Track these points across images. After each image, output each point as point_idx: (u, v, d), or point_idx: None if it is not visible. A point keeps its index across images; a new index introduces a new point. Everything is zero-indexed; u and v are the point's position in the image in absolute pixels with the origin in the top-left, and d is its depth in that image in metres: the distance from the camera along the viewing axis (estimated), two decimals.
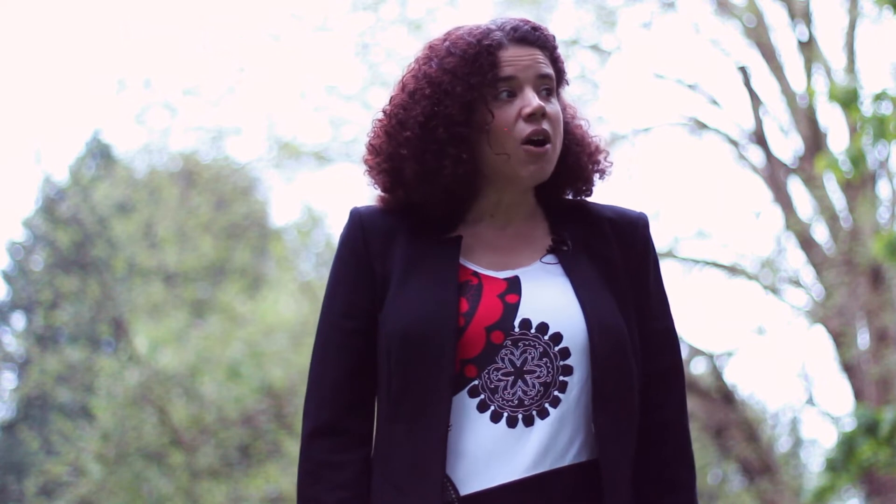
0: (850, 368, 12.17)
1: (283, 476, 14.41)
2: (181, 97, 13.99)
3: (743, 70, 12.63)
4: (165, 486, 14.39)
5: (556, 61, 2.35)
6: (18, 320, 22.80)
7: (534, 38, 2.32)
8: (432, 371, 2.22)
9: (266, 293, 15.66)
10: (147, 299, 15.19)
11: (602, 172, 2.40)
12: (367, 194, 2.43)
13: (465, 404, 2.24)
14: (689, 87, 12.73)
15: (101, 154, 21.45)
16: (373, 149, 2.34)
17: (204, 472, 14.41)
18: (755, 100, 12.66)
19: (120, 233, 15.36)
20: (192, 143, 14.59)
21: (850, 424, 8.45)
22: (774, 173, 12.60)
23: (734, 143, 12.83)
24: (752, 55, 12.61)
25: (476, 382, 2.24)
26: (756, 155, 12.78)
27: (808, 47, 12.18)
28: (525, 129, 2.27)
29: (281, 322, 14.56)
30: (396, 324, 2.25)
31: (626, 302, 2.31)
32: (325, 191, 26.61)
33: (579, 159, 2.37)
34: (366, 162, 2.36)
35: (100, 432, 14.52)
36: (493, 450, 2.22)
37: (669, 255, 13.02)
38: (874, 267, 11.80)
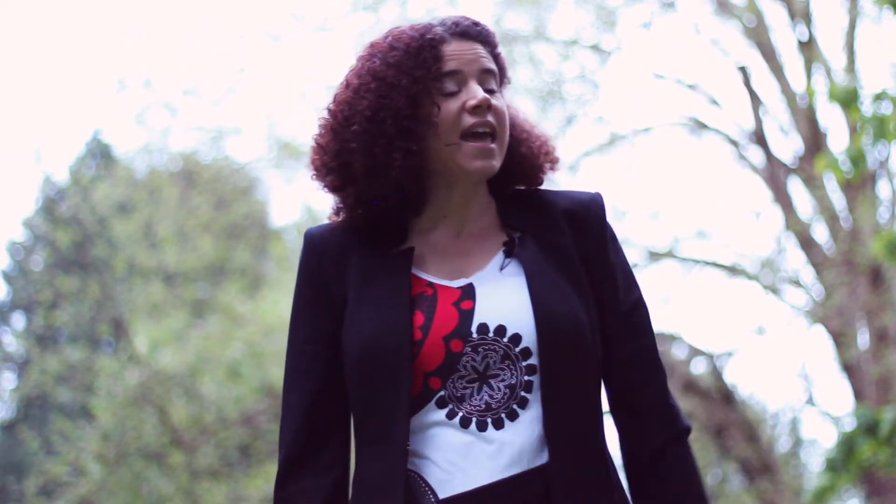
0: (850, 368, 12.17)
1: None
2: (181, 97, 14.00)
3: (743, 70, 12.63)
4: (165, 486, 14.38)
5: (497, 58, 2.33)
6: (18, 320, 22.80)
7: (475, 32, 2.31)
8: (390, 393, 2.21)
9: (266, 293, 15.64)
10: (147, 299, 15.18)
11: (553, 163, 2.39)
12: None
13: (434, 415, 2.23)
14: (689, 87, 12.73)
15: (101, 154, 21.44)
16: (319, 148, 2.32)
17: (204, 472, 14.40)
18: (755, 100, 12.66)
19: (120, 233, 15.35)
20: (192, 143, 14.61)
21: (850, 424, 8.46)
22: (774, 173, 12.60)
23: (734, 143, 12.83)
24: (752, 55, 12.61)
25: (442, 393, 2.23)
26: (756, 155, 12.79)
27: (808, 47, 12.18)
28: (468, 120, 2.26)
29: (281, 322, 14.53)
30: (352, 347, 2.25)
31: (583, 289, 2.29)
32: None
33: (531, 150, 2.36)
34: (312, 163, 2.34)
35: (100, 432, 14.51)
36: (466, 454, 2.21)
37: (669, 255, 13.03)
38: (874, 267, 11.80)
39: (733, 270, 13.07)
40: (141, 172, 15.67)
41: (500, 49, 2.37)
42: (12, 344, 22.33)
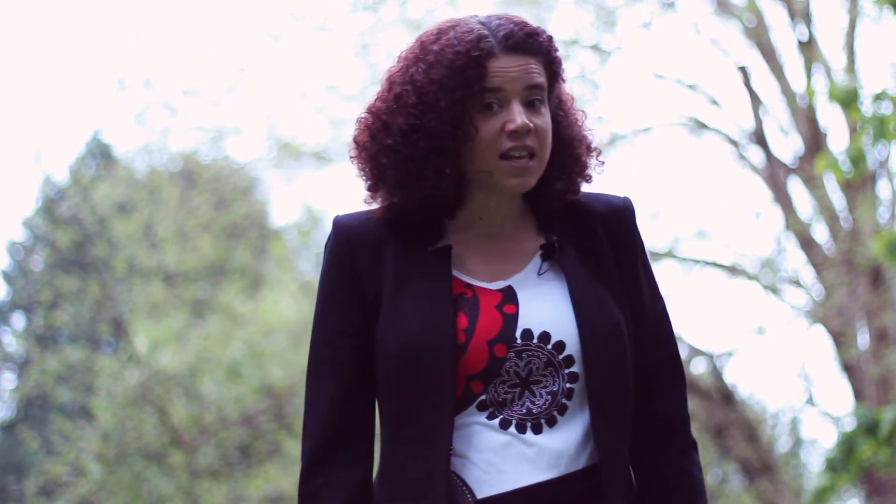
0: (850, 368, 12.17)
1: (283, 476, 14.42)
2: (181, 97, 14.00)
3: (743, 70, 12.63)
4: (165, 486, 14.39)
5: (551, 63, 2.28)
6: (18, 320, 22.80)
7: (527, 46, 2.24)
8: (433, 395, 2.20)
9: (266, 293, 15.66)
10: (147, 299, 15.18)
11: (589, 171, 2.35)
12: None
13: (474, 417, 2.22)
14: (689, 87, 12.73)
15: (101, 154, 21.45)
16: (358, 145, 2.30)
17: (204, 472, 14.41)
18: (755, 100, 12.66)
19: (120, 233, 15.36)
20: (192, 143, 14.62)
21: (850, 424, 8.45)
22: (774, 173, 12.60)
23: (734, 143, 12.83)
24: (752, 55, 12.61)
25: (483, 397, 2.22)
26: (756, 155, 12.79)
27: (808, 47, 12.18)
28: (506, 143, 2.22)
29: (281, 322, 14.57)
30: (393, 346, 2.22)
31: (619, 295, 2.29)
32: (325, 191, 26.59)
33: (574, 160, 2.33)
34: (350, 155, 2.32)
35: (100, 432, 14.52)
36: (504, 454, 2.21)
37: (669, 254, 13.03)
38: (874, 267, 11.80)
39: (733, 270, 13.07)
40: (141, 172, 15.68)
41: (557, 51, 2.30)
42: (12, 344, 22.34)
